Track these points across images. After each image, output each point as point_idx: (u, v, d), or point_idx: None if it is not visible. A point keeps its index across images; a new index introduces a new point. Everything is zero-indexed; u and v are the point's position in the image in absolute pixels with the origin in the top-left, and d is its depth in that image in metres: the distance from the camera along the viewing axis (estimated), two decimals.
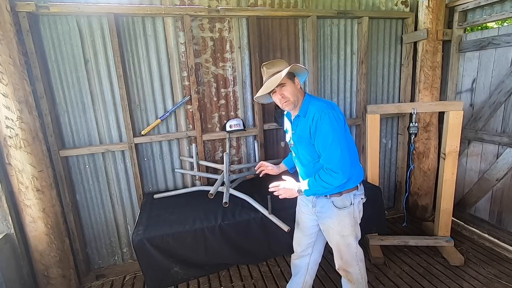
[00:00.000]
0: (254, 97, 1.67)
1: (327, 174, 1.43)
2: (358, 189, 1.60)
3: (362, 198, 1.65)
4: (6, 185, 1.99)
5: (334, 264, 1.73)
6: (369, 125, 2.44)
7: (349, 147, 1.51)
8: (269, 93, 1.55)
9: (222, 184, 2.21)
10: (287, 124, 1.74)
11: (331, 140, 1.40)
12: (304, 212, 1.73)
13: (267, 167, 1.89)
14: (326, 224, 1.63)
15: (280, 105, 1.55)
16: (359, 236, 1.67)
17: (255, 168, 1.94)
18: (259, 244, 2.03)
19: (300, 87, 1.56)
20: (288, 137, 1.72)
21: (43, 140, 2.08)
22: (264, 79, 1.57)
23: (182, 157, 2.58)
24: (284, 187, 1.57)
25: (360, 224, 1.66)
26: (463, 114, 2.29)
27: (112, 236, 2.56)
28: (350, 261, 1.67)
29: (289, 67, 1.45)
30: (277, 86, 1.46)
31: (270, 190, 1.61)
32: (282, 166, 1.92)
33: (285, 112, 1.76)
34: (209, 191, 2.00)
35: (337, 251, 1.67)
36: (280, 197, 1.59)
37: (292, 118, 1.62)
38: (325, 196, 1.58)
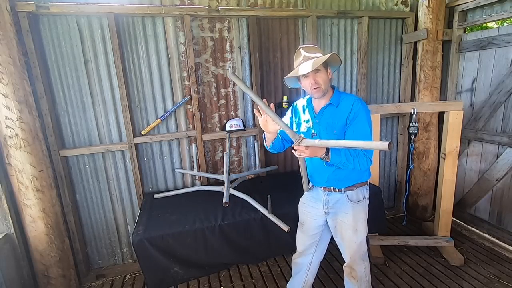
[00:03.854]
0: (284, 77, 1.59)
1: (365, 158, 1.45)
2: (367, 184, 1.67)
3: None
4: (6, 185, 1.99)
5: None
6: None
7: None
8: (297, 78, 1.53)
9: (222, 183, 2.21)
10: (304, 116, 1.64)
11: (369, 130, 1.48)
12: (310, 212, 1.72)
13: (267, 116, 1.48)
14: (340, 220, 1.62)
15: (309, 91, 1.51)
16: (367, 233, 1.69)
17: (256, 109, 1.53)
18: (259, 244, 2.03)
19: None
20: (304, 127, 1.62)
21: (43, 140, 2.08)
22: (296, 62, 1.53)
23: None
24: (313, 146, 1.33)
25: None
26: (463, 114, 2.29)
27: (112, 236, 2.56)
28: (358, 259, 1.69)
29: (329, 55, 1.42)
30: (312, 71, 1.43)
31: (293, 150, 1.39)
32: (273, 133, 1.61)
33: (296, 104, 1.71)
34: (209, 190, 2.00)
35: (347, 247, 1.66)
36: (301, 155, 1.37)
37: (319, 108, 1.56)
38: (339, 191, 1.60)
